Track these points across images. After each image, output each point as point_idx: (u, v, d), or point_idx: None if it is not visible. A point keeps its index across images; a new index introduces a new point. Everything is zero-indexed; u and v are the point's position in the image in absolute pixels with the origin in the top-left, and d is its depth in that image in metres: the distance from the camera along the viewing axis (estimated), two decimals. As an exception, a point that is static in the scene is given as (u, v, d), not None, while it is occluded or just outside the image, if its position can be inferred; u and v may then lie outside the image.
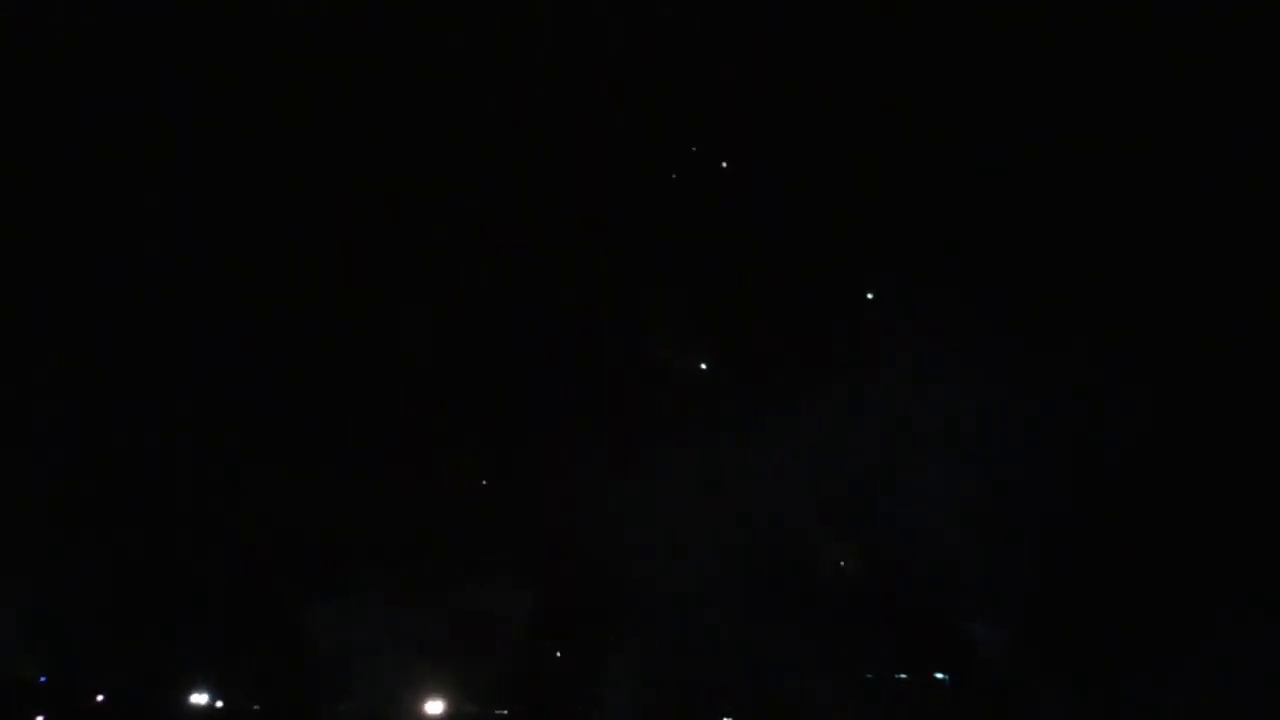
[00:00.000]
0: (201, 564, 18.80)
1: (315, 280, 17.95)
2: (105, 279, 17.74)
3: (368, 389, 18.24)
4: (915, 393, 15.70)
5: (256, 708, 19.56)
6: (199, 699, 19.72)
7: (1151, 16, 15.26)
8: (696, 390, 17.54)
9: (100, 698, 19.70)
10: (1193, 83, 15.01)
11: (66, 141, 16.88)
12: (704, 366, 17.64)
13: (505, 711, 18.29)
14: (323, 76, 16.72)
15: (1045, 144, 15.67)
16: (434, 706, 18.16)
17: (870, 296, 16.60)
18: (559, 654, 17.93)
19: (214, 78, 16.64)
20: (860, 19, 16.35)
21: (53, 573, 18.45)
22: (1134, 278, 15.29)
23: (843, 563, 16.16)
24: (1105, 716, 14.70)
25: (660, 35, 16.52)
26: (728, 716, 17.03)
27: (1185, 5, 15.13)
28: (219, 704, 19.57)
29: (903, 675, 16.41)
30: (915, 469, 15.72)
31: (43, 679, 19.69)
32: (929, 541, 15.53)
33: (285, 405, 18.47)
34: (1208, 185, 14.94)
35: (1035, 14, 15.68)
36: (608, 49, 16.53)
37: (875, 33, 16.31)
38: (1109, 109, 15.44)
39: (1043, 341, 15.22)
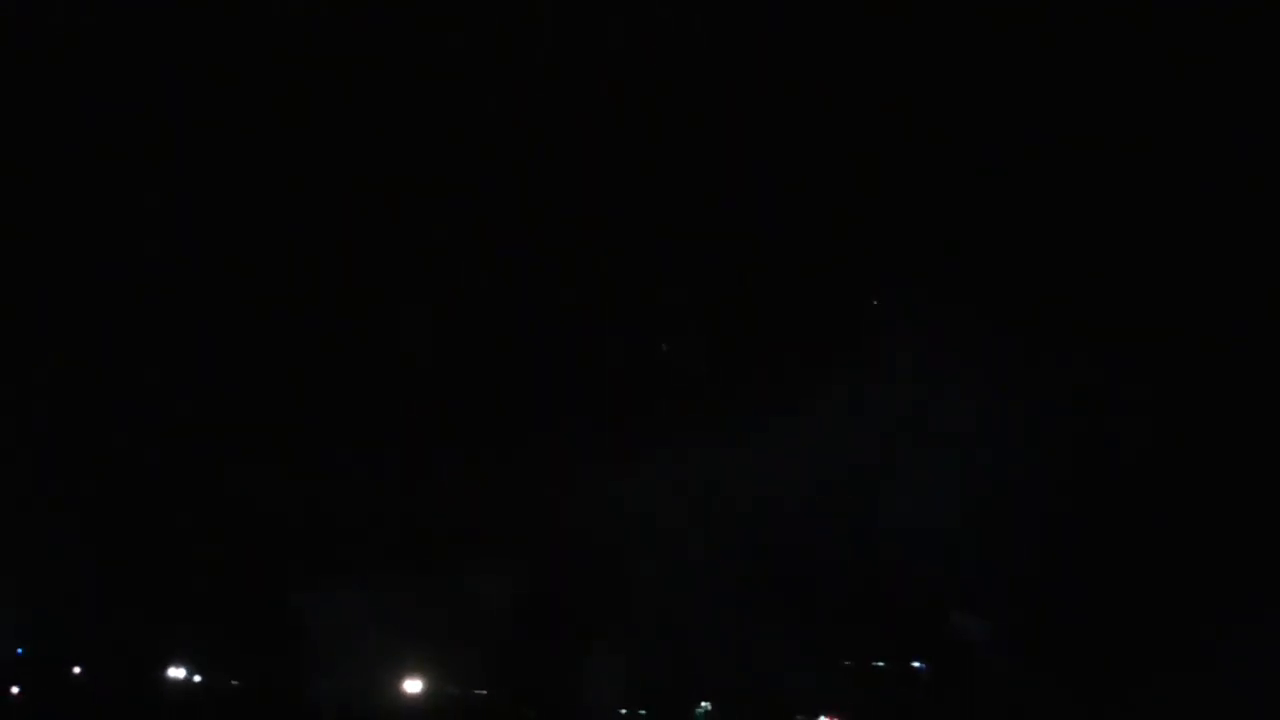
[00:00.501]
0: (184, 542, 18.80)
1: (313, 277, 17.98)
2: (104, 274, 17.75)
3: (359, 377, 18.25)
4: (905, 392, 15.75)
5: (235, 683, 19.58)
6: (177, 674, 19.73)
7: (1151, 16, 15.24)
8: (691, 385, 17.56)
9: (77, 670, 19.71)
10: (1193, 83, 15.00)
11: (66, 141, 16.91)
12: (701, 364, 17.67)
13: (485, 692, 18.34)
14: (323, 76, 16.72)
15: (1045, 144, 15.68)
16: (413, 685, 18.21)
17: (875, 303, 16.65)
18: (543, 638, 17.97)
19: (214, 78, 16.63)
20: (860, 19, 16.33)
21: (33, 548, 18.44)
22: (1129, 278, 15.30)
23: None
24: (1085, 708, 14.75)
25: (660, 35, 16.50)
26: (706, 701, 17.13)
27: (1185, 5, 15.11)
28: (197, 679, 19.60)
29: (880, 663, 16.49)
30: (902, 466, 15.76)
31: (19, 651, 19.69)
32: (914, 535, 15.57)
33: (274, 391, 18.47)
34: (1208, 185, 14.95)
35: (1035, 14, 15.66)
36: (608, 49, 16.51)
37: (875, 33, 16.29)
38: (1109, 109, 15.45)
39: (1034, 343, 15.25)
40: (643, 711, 17.59)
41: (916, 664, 16.37)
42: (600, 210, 17.37)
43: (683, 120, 16.93)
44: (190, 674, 19.85)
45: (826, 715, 16.44)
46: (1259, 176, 14.87)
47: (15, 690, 19.65)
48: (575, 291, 17.83)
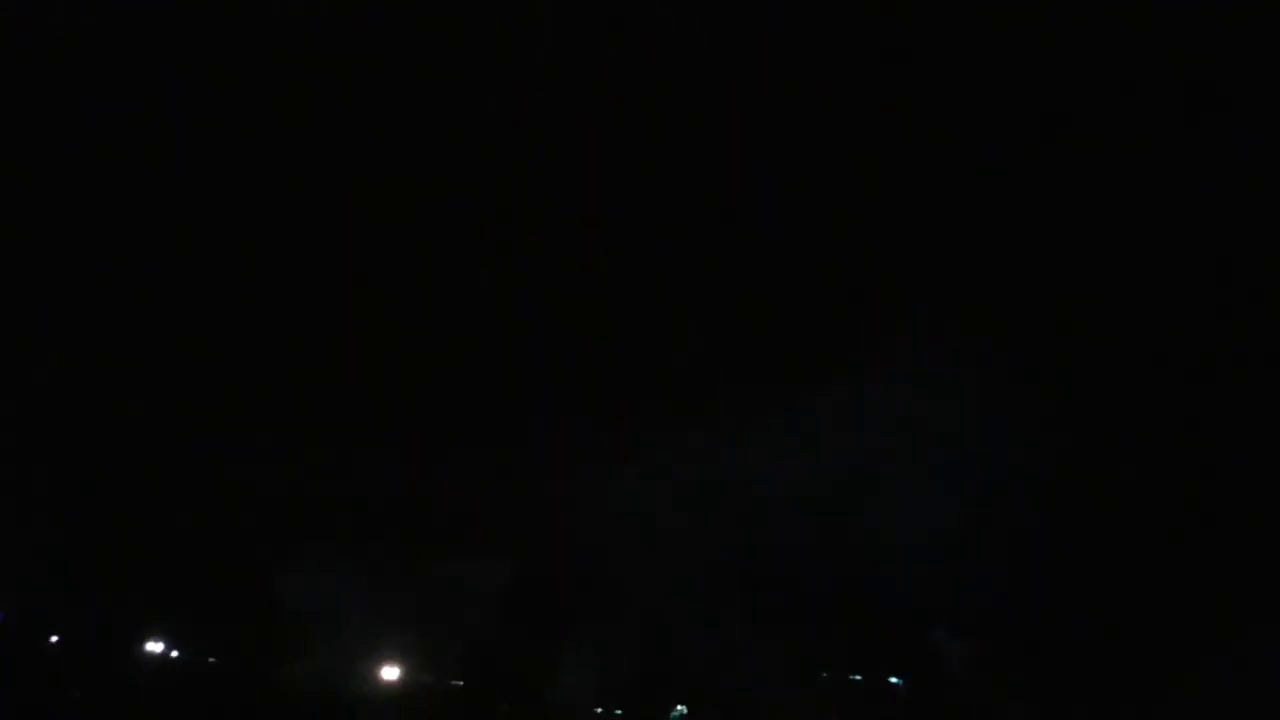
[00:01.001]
0: (168, 518, 18.88)
1: (313, 273, 18.03)
2: (84, 250, 17.76)
3: (353, 365, 18.30)
4: (894, 409, 15.79)
5: (211, 660, 19.69)
6: (154, 648, 19.85)
7: (1151, 17, 15.21)
8: (683, 393, 17.60)
9: (55, 639, 19.82)
10: (1191, 85, 14.99)
11: (66, 141, 16.91)
12: (694, 372, 17.70)
13: (461, 683, 18.46)
14: (323, 76, 16.71)
15: (1041, 149, 15.67)
16: (391, 672, 18.34)
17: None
18: (522, 633, 18.06)
19: (214, 78, 16.63)
20: (860, 19, 16.30)
21: (14, 519, 18.53)
22: (1115, 305, 15.29)
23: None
24: None
25: (660, 35, 16.48)
26: (681, 705, 17.25)
27: (1185, 5, 15.08)
28: (174, 654, 19.72)
29: (858, 677, 16.54)
30: (888, 482, 15.80)
31: (1, 615, 19.80)
32: (897, 552, 15.61)
33: (265, 376, 18.52)
34: (1206, 189, 14.94)
35: (1035, 14, 15.64)
36: (608, 49, 16.50)
37: (876, 33, 16.28)
38: (1107, 111, 15.44)
39: (1021, 367, 15.27)
40: (618, 711, 17.71)
41: (894, 679, 16.44)
42: (600, 210, 17.39)
43: (683, 120, 16.93)
44: (168, 649, 19.98)
45: None
46: (1259, 177, 14.85)
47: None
48: (571, 291, 17.86)
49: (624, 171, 17.14)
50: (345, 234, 17.67)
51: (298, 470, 18.45)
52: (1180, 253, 14.91)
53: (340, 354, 18.44)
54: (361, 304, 18.16)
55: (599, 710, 17.76)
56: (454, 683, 18.77)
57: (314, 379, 18.62)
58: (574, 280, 17.81)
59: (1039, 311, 15.66)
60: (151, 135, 16.98)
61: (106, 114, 16.85)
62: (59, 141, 16.99)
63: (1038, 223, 15.78)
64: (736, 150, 16.88)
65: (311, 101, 16.94)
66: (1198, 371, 14.72)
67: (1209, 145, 15.11)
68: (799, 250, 17.16)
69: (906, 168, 16.53)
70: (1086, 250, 15.50)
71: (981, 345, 15.38)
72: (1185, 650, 14.07)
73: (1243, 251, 14.72)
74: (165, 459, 18.85)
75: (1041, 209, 15.74)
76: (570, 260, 17.75)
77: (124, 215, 17.88)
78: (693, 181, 17.25)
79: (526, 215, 17.71)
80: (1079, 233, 15.57)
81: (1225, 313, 14.75)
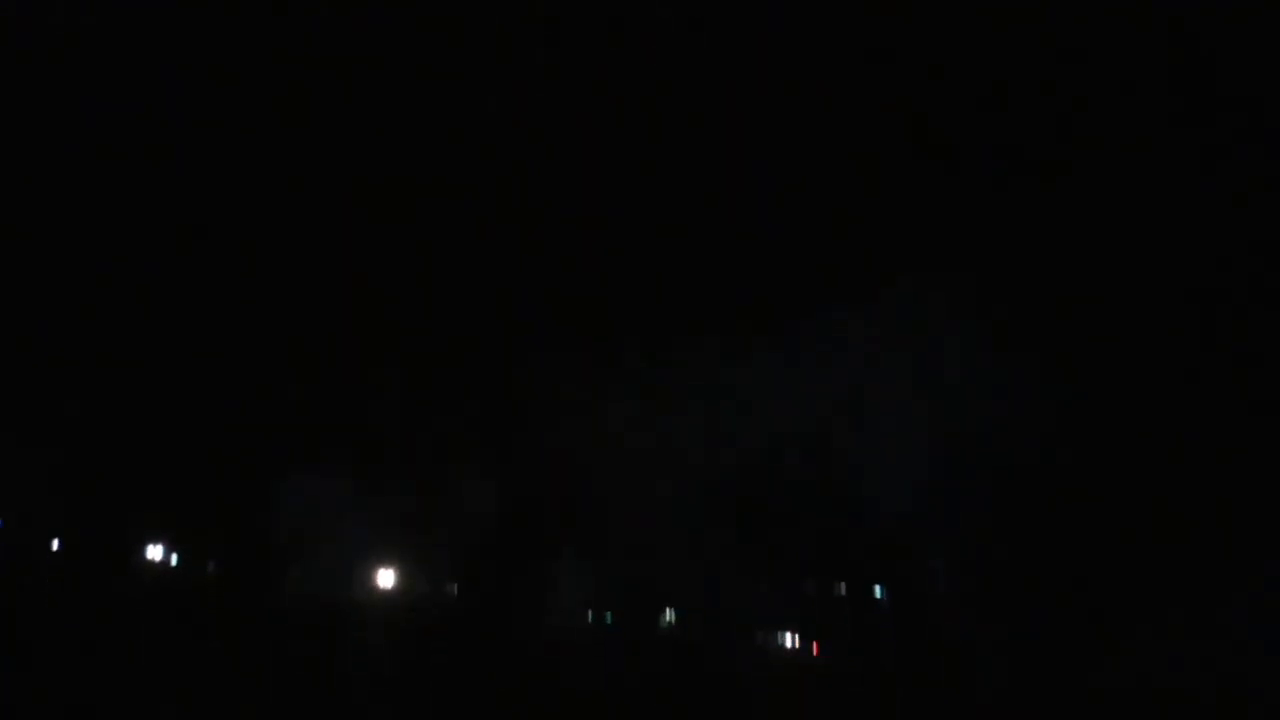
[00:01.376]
0: (169, 425, 18.92)
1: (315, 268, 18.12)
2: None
3: (353, 283, 18.35)
4: (884, 328, 15.85)
5: (211, 566, 19.70)
6: (154, 554, 19.87)
7: (1151, 17, 15.23)
8: (671, 314, 17.63)
9: (55, 545, 19.81)
10: (1191, 85, 15.00)
11: (66, 141, 16.94)
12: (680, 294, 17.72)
13: (456, 590, 18.60)
14: (323, 76, 16.73)
15: (1035, 144, 15.69)
16: (386, 579, 18.48)
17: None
18: (517, 544, 18.23)
19: (214, 78, 16.65)
20: (860, 19, 16.33)
21: (13, 426, 18.59)
22: (1114, 246, 15.26)
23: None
24: (1038, 647, 14.92)
25: (660, 35, 16.50)
26: (670, 611, 17.46)
27: (1185, 5, 15.10)
28: (174, 561, 19.73)
29: (841, 588, 16.70)
30: (877, 406, 15.88)
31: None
32: (883, 467, 15.72)
33: (265, 292, 18.53)
34: (1206, 188, 14.95)
35: (1035, 14, 15.65)
36: (607, 49, 16.52)
37: (876, 33, 16.30)
38: (1107, 111, 15.46)
39: (1012, 292, 15.28)
40: (609, 618, 17.87)
41: (877, 591, 16.57)
42: (599, 208, 17.43)
43: (683, 120, 16.96)
44: (167, 555, 20.02)
45: (787, 633, 16.77)
46: (1259, 177, 14.86)
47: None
48: (564, 213, 17.81)
49: (624, 171, 17.18)
50: (343, 236, 17.70)
51: (296, 386, 18.54)
52: (1176, 242, 14.93)
53: (342, 284, 18.43)
54: (360, 242, 18.15)
55: (590, 618, 17.98)
56: (448, 589, 18.90)
57: (314, 308, 18.62)
58: (566, 202, 17.74)
59: (1025, 247, 15.61)
60: (151, 135, 16.99)
61: (106, 114, 16.87)
62: (59, 141, 17.01)
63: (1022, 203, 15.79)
64: (736, 150, 16.92)
65: (311, 101, 16.96)
66: (1185, 308, 14.70)
67: (1209, 145, 15.12)
68: (791, 188, 17.07)
69: (904, 158, 16.55)
70: (1071, 208, 15.46)
71: (970, 280, 15.39)
72: (1169, 576, 14.18)
73: (1243, 249, 14.74)
74: (166, 372, 18.86)
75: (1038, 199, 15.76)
76: (563, 188, 17.67)
77: (124, 215, 17.91)
78: (693, 181, 17.28)
79: (526, 215, 17.74)
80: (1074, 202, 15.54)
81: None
